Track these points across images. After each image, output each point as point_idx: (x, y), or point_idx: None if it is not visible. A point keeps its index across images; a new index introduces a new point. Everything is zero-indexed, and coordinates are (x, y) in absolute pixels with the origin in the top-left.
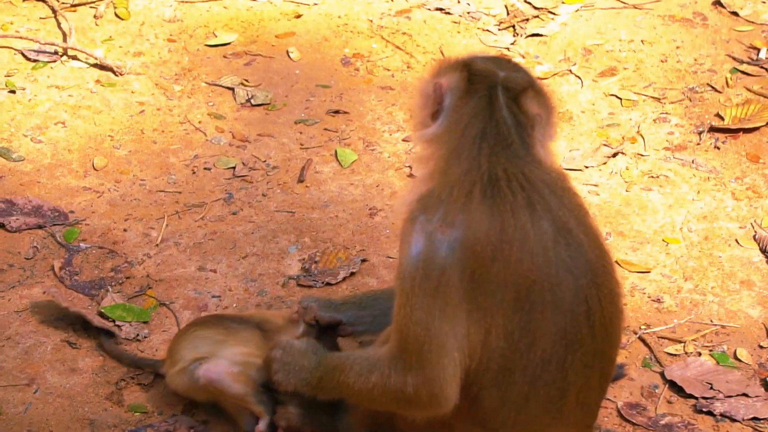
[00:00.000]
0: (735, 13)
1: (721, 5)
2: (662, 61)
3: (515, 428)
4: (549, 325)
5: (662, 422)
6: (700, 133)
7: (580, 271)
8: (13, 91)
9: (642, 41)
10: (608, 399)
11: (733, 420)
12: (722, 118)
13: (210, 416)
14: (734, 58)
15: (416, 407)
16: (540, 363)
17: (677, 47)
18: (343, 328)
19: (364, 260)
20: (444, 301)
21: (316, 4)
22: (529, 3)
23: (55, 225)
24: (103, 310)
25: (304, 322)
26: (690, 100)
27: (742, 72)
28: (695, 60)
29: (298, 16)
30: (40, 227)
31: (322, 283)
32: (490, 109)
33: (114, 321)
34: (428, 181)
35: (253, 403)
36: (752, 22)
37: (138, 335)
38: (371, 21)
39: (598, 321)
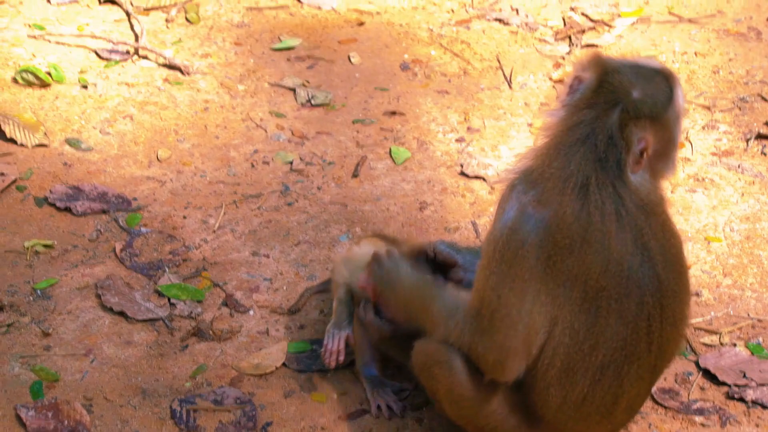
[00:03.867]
0: None
1: None
2: (714, 72)
3: (567, 426)
4: (612, 332)
5: (694, 407)
6: (747, 140)
7: (649, 289)
8: (85, 87)
9: (695, 53)
10: None
11: (765, 407)
12: None
13: (256, 388)
14: None
15: (482, 366)
16: (600, 368)
17: (730, 59)
18: (456, 271)
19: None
20: (517, 274)
21: (378, 13)
22: (586, 15)
23: (118, 210)
24: (159, 288)
25: (425, 253)
26: (739, 109)
27: None
28: (747, 72)
29: (361, 24)
30: (104, 212)
31: None
32: (599, 123)
33: (169, 299)
34: (535, 158)
35: (335, 295)
36: None
37: (191, 313)
38: (431, 30)
39: (656, 339)
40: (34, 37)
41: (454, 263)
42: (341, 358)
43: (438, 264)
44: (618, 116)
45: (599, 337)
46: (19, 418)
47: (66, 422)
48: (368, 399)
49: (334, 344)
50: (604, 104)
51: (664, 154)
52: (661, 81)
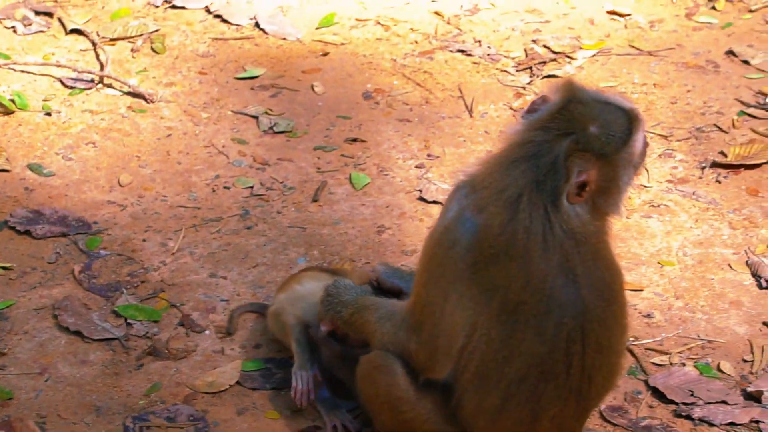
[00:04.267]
0: (746, 62)
1: (734, 54)
2: (672, 103)
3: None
4: (528, 347)
5: (642, 424)
6: (702, 168)
7: (570, 312)
8: (49, 114)
9: (654, 84)
10: None
11: (711, 424)
12: (725, 155)
13: (210, 405)
14: (742, 102)
15: (415, 364)
16: (515, 381)
17: (688, 91)
18: (404, 297)
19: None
20: (444, 273)
21: (343, 44)
22: (548, 47)
23: (78, 234)
24: (116, 309)
25: (369, 282)
26: (696, 139)
27: (749, 115)
28: (704, 103)
29: (326, 54)
30: (64, 235)
31: None
32: (547, 146)
33: (126, 319)
34: (483, 165)
35: (292, 338)
36: (763, 71)
37: (148, 332)
38: (395, 60)
39: (577, 362)
40: None
41: (399, 290)
42: (312, 396)
43: (383, 291)
44: (567, 145)
45: (514, 349)
46: None
47: None
48: (324, 420)
49: (303, 385)
50: (557, 130)
51: (607, 193)
52: (623, 122)
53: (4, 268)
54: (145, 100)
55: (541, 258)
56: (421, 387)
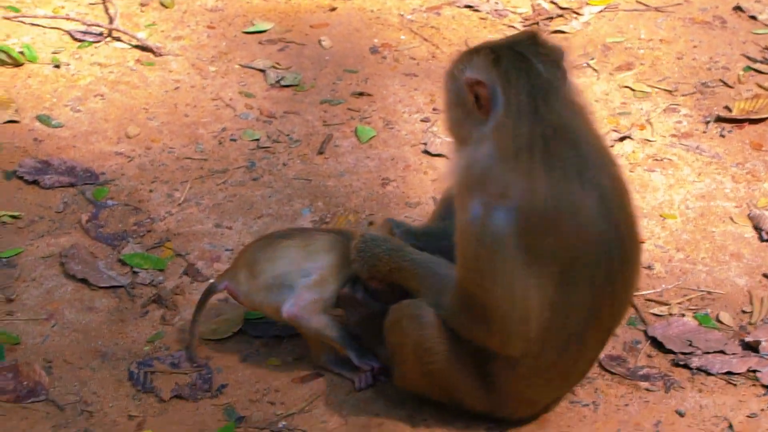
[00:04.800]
0: (754, 18)
1: (741, 10)
2: (678, 59)
3: (526, 392)
4: (581, 299)
5: (640, 373)
6: (707, 123)
7: (615, 252)
8: (57, 66)
9: (660, 40)
10: None
11: (708, 373)
12: (730, 110)
13: (213, 352)
14: (748, 58)
15: (488, 347)
16: (567, 336)
17: (694, 46)
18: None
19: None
20: (498, 268)
21: None
22: (555, 3)
23: (85, 184)
24: (122, 257)
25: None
26: (701, 94)
27: (755, 70)
28: (710, 58)
29: (333, 9)
30: (71, 185)
31: None
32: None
33: (132, 268)
34: (479, 149)
35: (331, 338)
36: None
37: (153, 281)
38: (402, 15)
39: (617, 303)
40: (9, 18)
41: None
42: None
43: None
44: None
45: (572, 306)
46: None
47: (25, 383)
48: (356, 366)
49: (375, 366)
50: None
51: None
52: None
53: (12, 216)
54: (154, 53)
55: (585, 199)
56: (449, 340)
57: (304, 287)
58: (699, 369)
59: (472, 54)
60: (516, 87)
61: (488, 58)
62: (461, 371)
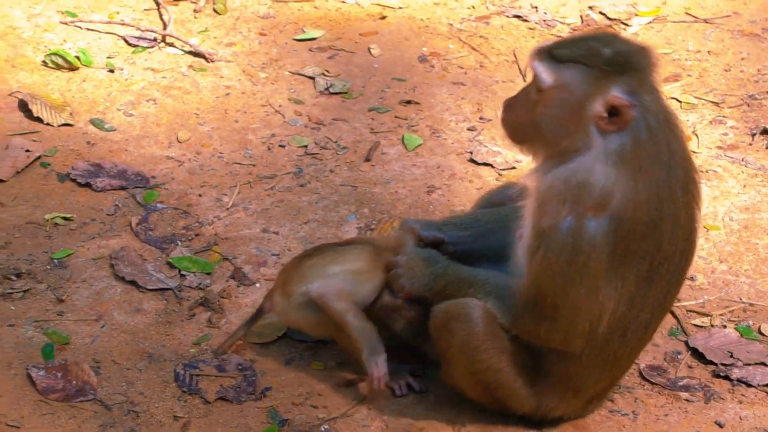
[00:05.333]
0: None
1: None
2: (726, 70)
3: (577, 381)
4: (657, 294)
5: (680, 383)
6: (753, 135)
7: (683, 246)
8: (112, 71)
9: (708, 52)
10: None
11: (749, 385)
12: None
13: (258, 355)
14: None
15: (545, 344)
16: (640, 327)
17: (742, 58)
18: (445, 248)
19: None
20: (589, 273)
21: (401, 8)
22: (604, 14)
23: (136, 187)
24: (171, 260)
25: (412, 238)
26: (748, 106)
27: None
28: (758, 71)
29: (383, 18)
30: (123, 188)
31: None
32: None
33: (180, 271)
34: (588, 159)
35: (352, 327)
36: None
37: (200, 284)
38: (451, 24)
39: (676, 292)
40: (66, 23)
41: (442, 241)
42: (387, 378)
43: (427, 245)
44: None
45: (645, 300)
46: (29, 377)
47: (74, 382)
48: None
49: (380, 370)
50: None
51: None
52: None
53: (64, 218)
54: (206, 59)
55: (683, 206)
56: (497, 337)
57: (332, 275)
58: (739, 380)
59: (610, 72)
60: (652, 111)
61: (640, 82)
62: (509, 367)
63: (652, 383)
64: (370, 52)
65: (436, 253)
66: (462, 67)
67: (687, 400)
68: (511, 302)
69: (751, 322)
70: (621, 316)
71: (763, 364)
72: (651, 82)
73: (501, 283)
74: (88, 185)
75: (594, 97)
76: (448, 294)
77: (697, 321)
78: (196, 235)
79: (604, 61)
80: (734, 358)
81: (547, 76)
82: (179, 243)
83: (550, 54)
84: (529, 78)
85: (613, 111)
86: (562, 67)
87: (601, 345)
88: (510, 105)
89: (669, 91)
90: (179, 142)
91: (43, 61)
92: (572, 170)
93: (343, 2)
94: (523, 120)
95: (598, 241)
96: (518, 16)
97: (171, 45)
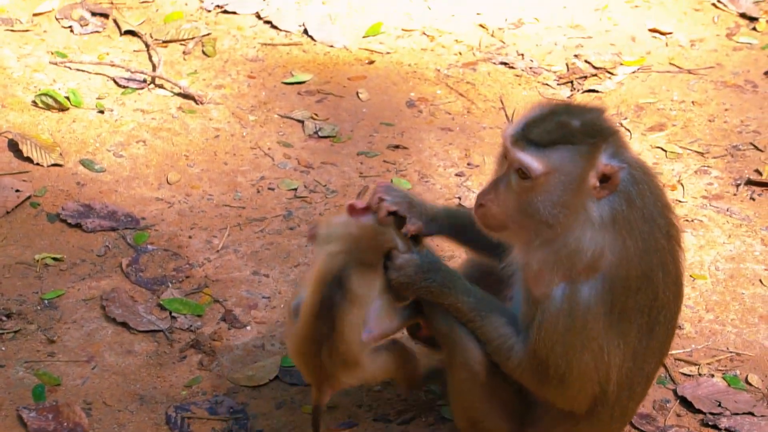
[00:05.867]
0: None
1: None
2: (710, 121)
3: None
4: (658, 345)
5: None
6: (737, 185)
7: (675, 291)
8: (102, 112)
9: (693, 102)
10: None
11: None
12: (760, 173)
13: (250, 398)
14: None
15: (551, 402)
16: (641, 380)
17: (726, 109)
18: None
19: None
20: (588, 336)
21: (388, 53)
22: (589, 63)
23: (126, 228)
24: (161, 302)
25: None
26: (732, 156)
27: None
28: (741, 121)
29: (371, 62)
30: (113, 230)
31: None
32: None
33: (171, 312)
34: (583, 228)
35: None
36: None
37: (191, 326)
38: (439, 70)
39: (671, 340)
40: (56, 63)
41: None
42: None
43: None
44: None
45: (648, 350)
46: (20, 418)
47: (65, 424)
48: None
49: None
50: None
51: None
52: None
53: (54, 259)
54: (195, 101)
55: (670, 256)
56: (496, 389)
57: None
58: (728, 430)
59: (594, 143)
60: (634, 167)
61: (617, 144)
62: (495, 414)
63: (642, 431)
64: (358, 96)
65: (441, 263)
66: (449, 113)
67: None
68: (518, 360)
69: (738, 372)
70: (627, 372)
71: (751, 413)
72: (621, 140)
73: (509, 337)
74: (78, 226)
75: (589, 172)
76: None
77: (685, 369)
78: (187, 277)
79: (584, 134)
80: (722, 407)
81: (537, 164)
82: (170, 285)
83: (530, 141)
84: (504, 163)
85: (604, 178)
86: (549, 152)
87: (612, 404)
88: (488, 198)
89: (654, 140)
90: (169, 183)
91: (33, 101)
92: (563, 242)
93: (332, 47)
94: (510, 211)
95: (593, 303)
96: (505, 63)
97: (160, 86)
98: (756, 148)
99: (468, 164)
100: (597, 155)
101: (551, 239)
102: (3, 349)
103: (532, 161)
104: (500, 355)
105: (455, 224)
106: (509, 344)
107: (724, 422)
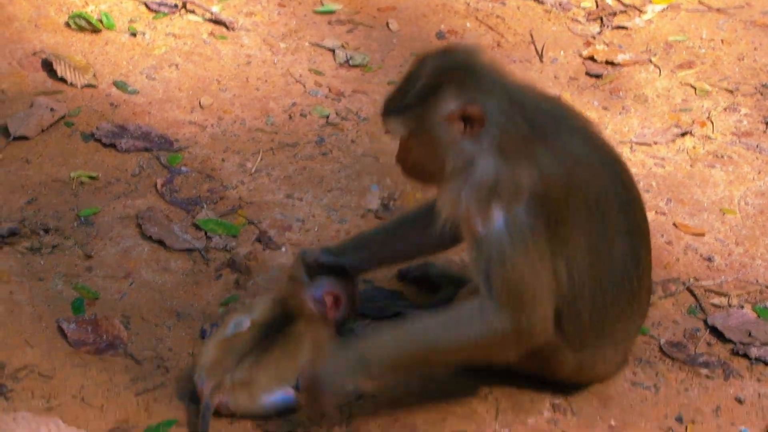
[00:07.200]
0: None
1: None
2: (739, 59)
3: (600, 335)
4: (620, 221)
5: (700, 360)
6: (767, 123)
7: (615, 170)
8: (134, 35)
9: (722, 41)
10: (651, 336)
11: (767, 364)
12: None
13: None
14: None
15: (520, 345)
16: (621, 259)
17: (755, 48)
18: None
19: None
20: (537, 250)
21: None
22: (619, 0)
23: (160, 150)
24: (197, 222)
25: (304, 266)
26: (761, 95)
27: None
28: None
29: None
30: (146, 150)
31: None
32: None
33: (206, 232)
34: (478, 166)
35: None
36: None
37: (226, 246)
38: (468, 3)
39: (641, 207)
40: None
41: (342, 267)
42: None
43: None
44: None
45: (611, 231)
46: (61, 330)
47: (105, 336)
48: None
49: None
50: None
51: None
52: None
53: (90, 177)
54: (226, 27)
55: (592, 159)
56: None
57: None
58: (758, 359)
59: (439, 86)
60: (495, 94)
61: (470, 84)
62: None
63: (673, 358)
64: (388, 26)
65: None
66: (479, 45)
67: (707, 376)
68: (481, 319)
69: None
70: (591, 263)
71: None
72: (476, 76)
73: (456, 313)
74: (112, 145)
75: (441, 121)
76: (393, 366)
77: (716, 300)
78: (221, 198)
79: (427, 88)
80: (752, 337)
81: (394, 128)
82: (204, 205)
83: (387, 109)
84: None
85: (466, 118)
86: (401, 115)
87: (595, 296)
88: (400, 158)
89: (683, 77)
90: (201, 107)
91: (66, 23)
92: (471, 180)
93: None
94: (414, 164)
95: (534, 221)
96: None
97: (192, 12)
98: None
99: None
100: (443, 104)
101: (463, 180)
102: (42, 263)
103: (398, 126)
104: (473, 327)
105: (369, 244)
106: (475, 311)
107: (754, 351)
